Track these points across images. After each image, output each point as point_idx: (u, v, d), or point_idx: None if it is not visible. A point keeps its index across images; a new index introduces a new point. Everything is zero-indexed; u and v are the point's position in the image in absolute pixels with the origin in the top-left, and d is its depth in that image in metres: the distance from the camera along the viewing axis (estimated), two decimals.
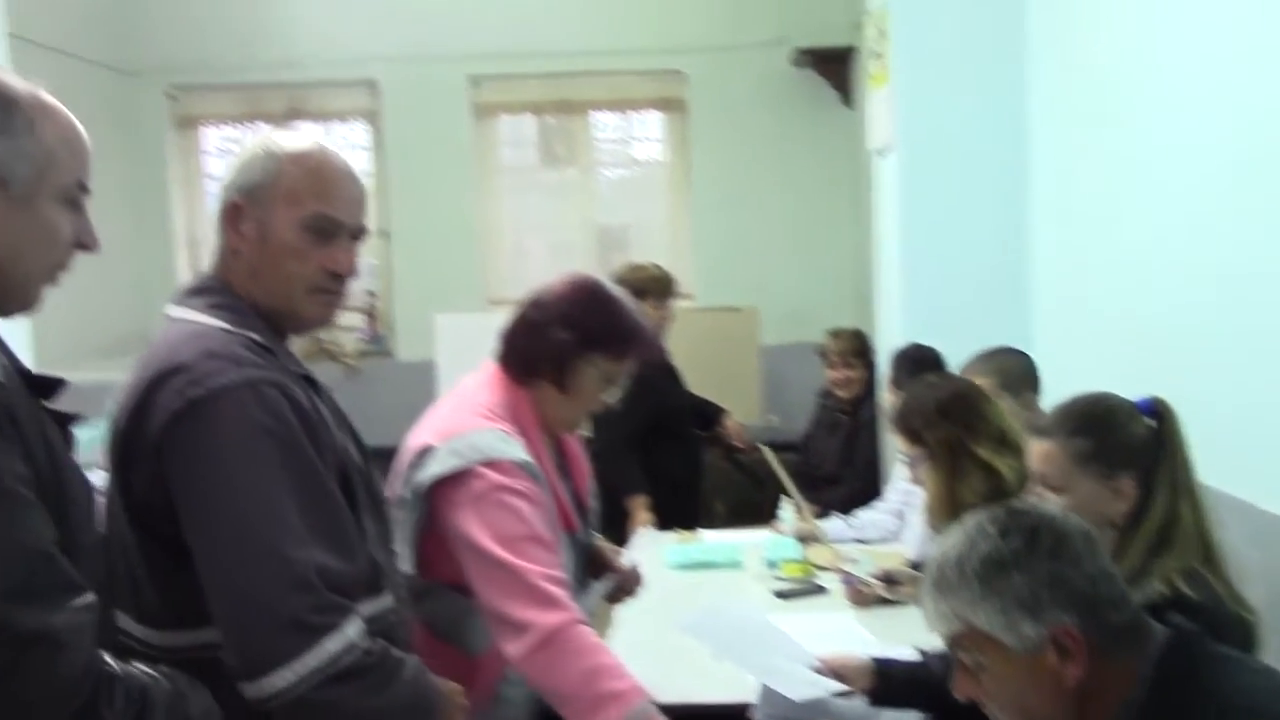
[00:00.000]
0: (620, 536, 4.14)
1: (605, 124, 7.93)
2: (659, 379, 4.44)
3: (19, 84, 1.40)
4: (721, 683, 2.47)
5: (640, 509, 4.24)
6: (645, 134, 7.93)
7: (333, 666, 1.53)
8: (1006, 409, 2.69)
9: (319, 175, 1.74)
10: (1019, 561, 1.41)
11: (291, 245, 1.71)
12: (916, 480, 2.66)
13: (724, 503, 6.55)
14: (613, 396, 2.28)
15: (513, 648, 1.97)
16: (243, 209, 1.72)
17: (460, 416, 2.17)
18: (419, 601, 2.05)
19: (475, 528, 2.02)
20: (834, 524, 3.85)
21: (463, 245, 7.59)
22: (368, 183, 7.67)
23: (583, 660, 1.93)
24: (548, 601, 1.97)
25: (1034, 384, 3.40)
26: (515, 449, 2.10)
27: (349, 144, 7.93)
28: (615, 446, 4.27)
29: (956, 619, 1.45)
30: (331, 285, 1.75)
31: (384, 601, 1.72)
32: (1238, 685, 1.38)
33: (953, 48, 4.27)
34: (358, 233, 1.78)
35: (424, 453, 2.12)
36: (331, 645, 1.53)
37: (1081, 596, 1.39)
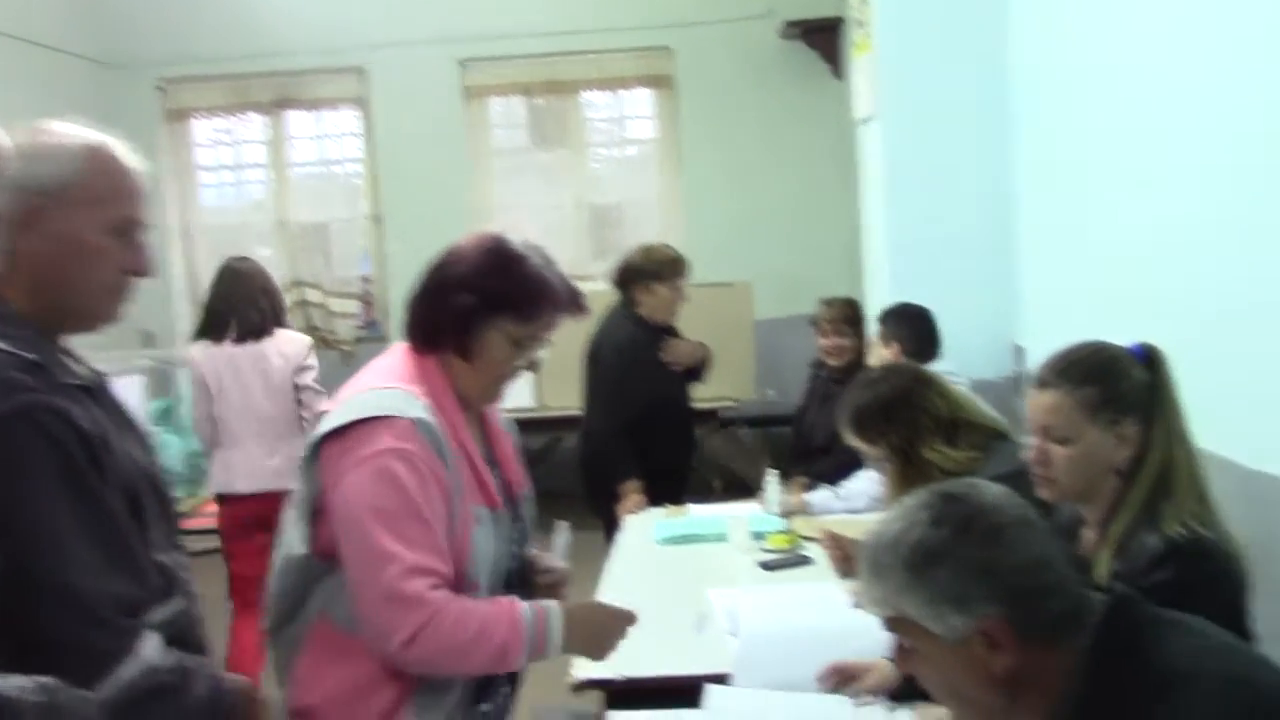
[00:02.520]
0: (611, 519, 4.13)
1: (595, 103, 7.91)
2: (655, 368, 4.40)
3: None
4: (699, 656, 2.47)
5: (631, 493, 4.22)
6: (636, 112, 7.91)
7: (131, 692, 1.51)
8: (950, 384, 2.70)
9: (118, 174, 1.67)
10: (948, 551, 1.38)
11: (95, 248, 1.63)
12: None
13: (720, 478, 6.56)
14: (530, 363, 2.08)
15: (383, 645, 1.87)
16: (36, 211, 1.61)
17: (364, 381, 2.03)
18: (313, 585, 1.95)
19: (353, 490, 1.87)
20: (821, 495, 3.83)
21: (456, 229, 7.52)
22: (360, 169, 7.79)
23: (457, 636, 1.86)
24: (409, 603, 1.85)
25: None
26: (416, 408, 1.93)
27: (340, 131, 7.94)
28: (608, 433, 4.24)
29: (887, 604, 1.43)
30: (128, 285, 1.70)
31: (175, 605, 1.66)
32: (1178, 648, 1.36)
33: (935, 14, 4.24)
34: (147, 227, 1.73)
35: (321, 418, 2.00)
36: (127, 672, 1.51)
37: (1012, 588, 1.36)
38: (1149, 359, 2.00)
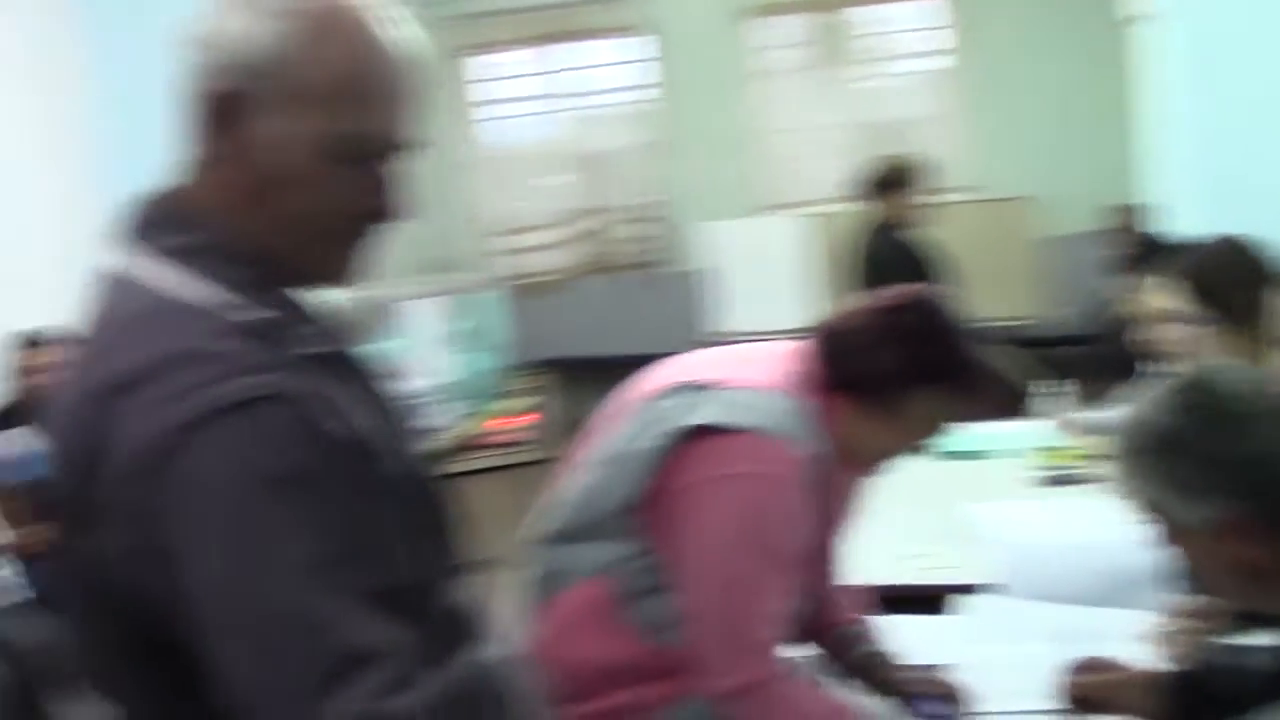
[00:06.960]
0: None
1: (870, 19, 7.75)
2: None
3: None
4: (967, 566, 2.45)
5: None
6: (909, 25, 7.70)
7: None
8: None
9: (360, 63, 1.08)
10: (1198, 439, 1.34)
11: (301, 173, 1.08)
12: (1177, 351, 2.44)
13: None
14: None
15: (705, 683, 1.65)
16: (243, 100, 1.07)
17: (752, 370, 1.72)
18: (610, 540, 1.69)
19: (717, 511, 1.63)
20: (1110, 414, 3.66)
21: (734, 151, 7.62)
22: (644, 95, 7.88)
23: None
24: (753, 652, 1.65)
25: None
26: (811, 437, 1.67)
27: (620, 59, 8.07)
28: None
29: (1138, 491, 1.40)
30: (360, 234, 1.14)
31: (443, 603, 1.15)
32: None
33: None
34: (402, 148, 1.13)
35: (684, 390, 1.70)
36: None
37: (1258, 481, 1.31)
38: None
